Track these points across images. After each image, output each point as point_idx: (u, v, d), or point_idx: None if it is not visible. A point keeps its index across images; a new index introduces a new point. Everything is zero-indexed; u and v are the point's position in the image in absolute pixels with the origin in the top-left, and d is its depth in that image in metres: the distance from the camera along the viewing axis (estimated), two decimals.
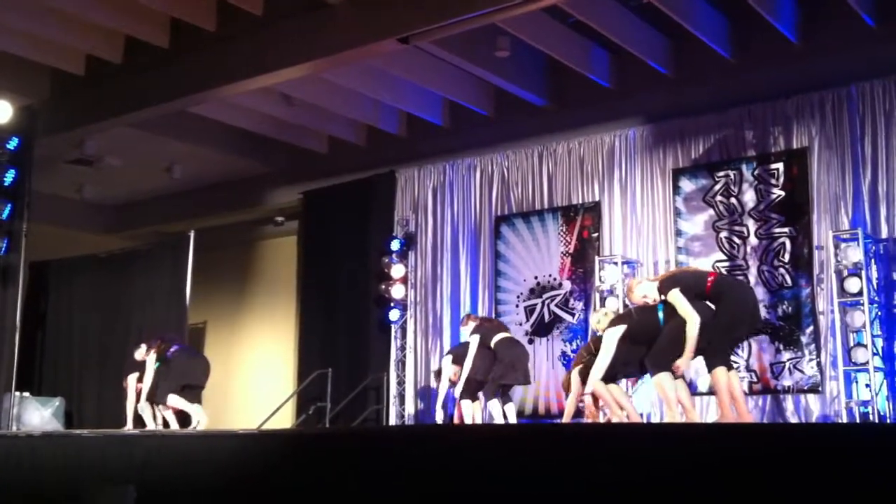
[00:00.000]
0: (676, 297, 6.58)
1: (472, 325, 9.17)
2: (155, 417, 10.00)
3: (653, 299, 6.81)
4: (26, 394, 11.89)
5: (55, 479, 6.09)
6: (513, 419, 9.01)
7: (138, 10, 9.70)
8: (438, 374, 9.59)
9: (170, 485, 5.47)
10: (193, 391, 9.90)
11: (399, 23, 8.93)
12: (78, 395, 13.26)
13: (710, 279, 6.81)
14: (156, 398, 9.79)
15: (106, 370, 13.12)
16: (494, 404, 8.87)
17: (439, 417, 9.41)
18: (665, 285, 6.72)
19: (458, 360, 9.10)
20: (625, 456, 4.11)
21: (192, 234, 11.81)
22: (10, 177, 10.02)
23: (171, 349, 9.95)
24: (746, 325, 6.92)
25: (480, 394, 8.97)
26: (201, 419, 9.67)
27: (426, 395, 11.46)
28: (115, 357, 12.96)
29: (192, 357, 10.33)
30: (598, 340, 7.52)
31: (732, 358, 9.41)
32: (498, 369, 8.77)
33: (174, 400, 9.65)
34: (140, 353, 10.18)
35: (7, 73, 10.59)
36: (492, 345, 8.86)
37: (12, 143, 10.02)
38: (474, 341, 8.95)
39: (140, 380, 10.11)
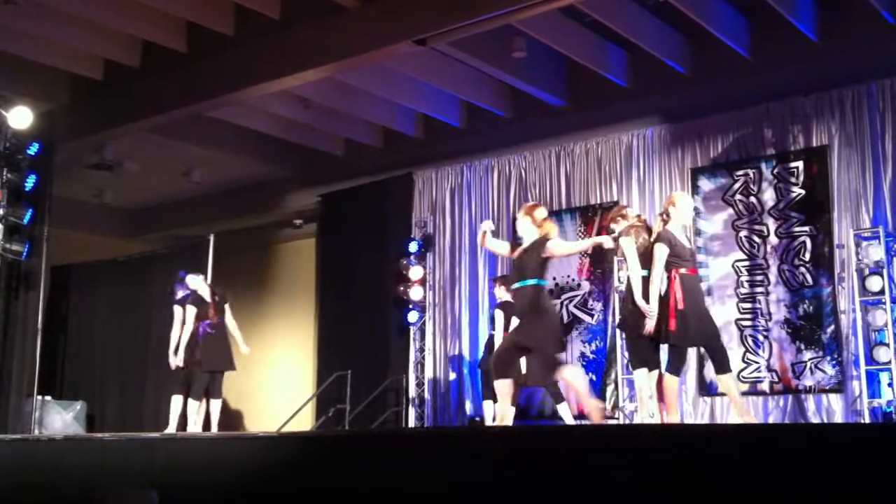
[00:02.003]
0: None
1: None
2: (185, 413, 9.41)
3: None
4: (48, 397, 11.98)
5: (77, 483, 6.12)
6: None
7: (156, 14, 9.76)
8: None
9: (191, 488, 5.49)
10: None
11: (415, 25, 8.93)
12: (100, 398, 13.37)
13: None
14: (211, 392, 9.28)
15: (127, 373, 13.23)
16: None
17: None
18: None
19: None
20: (640, 457, 4.09)
21: (211, 238, 11.87)
22: (30, 182, 10.06)
23: (207, 322, 9.29)
24: None
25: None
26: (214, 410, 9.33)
27: (446, 395, 11.45)
28: (136, 360, 13.07)
29: (223, 338, 9.43)
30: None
31: (752, 357, 9.46)
32: None
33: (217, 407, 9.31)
34: (196, 282, 9.43)
35: (27, 80, 10.67)
36: None
37: (33, 149, 10.06)
38: None
39: (199, 317, 9.24)
